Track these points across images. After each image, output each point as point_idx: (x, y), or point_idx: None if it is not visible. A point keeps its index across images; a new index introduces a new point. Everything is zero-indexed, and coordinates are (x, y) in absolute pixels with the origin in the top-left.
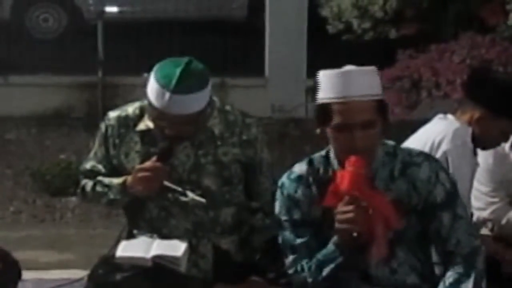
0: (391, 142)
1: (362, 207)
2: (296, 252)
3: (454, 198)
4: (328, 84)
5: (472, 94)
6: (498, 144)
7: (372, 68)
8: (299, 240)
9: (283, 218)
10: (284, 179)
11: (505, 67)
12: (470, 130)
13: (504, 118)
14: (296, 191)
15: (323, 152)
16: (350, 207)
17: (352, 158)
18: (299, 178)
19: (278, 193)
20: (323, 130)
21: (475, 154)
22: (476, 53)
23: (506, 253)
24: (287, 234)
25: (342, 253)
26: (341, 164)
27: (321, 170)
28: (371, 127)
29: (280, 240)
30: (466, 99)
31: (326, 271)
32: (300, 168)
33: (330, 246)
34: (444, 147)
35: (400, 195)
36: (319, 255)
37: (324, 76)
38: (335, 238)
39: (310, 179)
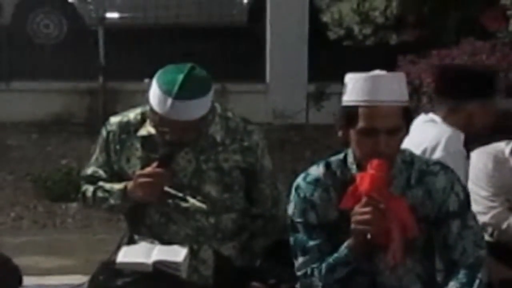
0: (408, 150)
1: (380, 209)
2: (308, 254)
3: (466, 209)
4: (356, 87)
5: (456, 93)
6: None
7: (401, 74)
8: (312, 242)
9: (297, 220)
10: (300, 181)
11: (506, 72)
12: (462, 136)
13: (489, 99)
14: (313, 194)
15: (340, 156)
16: (368, 209)
17: (375, 161)
18: (316, 181)
19: (293, 195)
20: (345, 133)
21: (468, 158)
22: (477, 59)
23: (501, 272)
24: (300, 236)
25: (354, 257)
26: (360, 168)
27: (338, 174)
28: (396, 133)
29: (291, 241)
30: (449, 100)
31: (337, 275)
32: (317, 170)
33: (343, 250)
34: (437, 154)
35: (414, 203)
36: (331, 259)
37: (352, 79)
38: (348, 241)
39: (328, 182)
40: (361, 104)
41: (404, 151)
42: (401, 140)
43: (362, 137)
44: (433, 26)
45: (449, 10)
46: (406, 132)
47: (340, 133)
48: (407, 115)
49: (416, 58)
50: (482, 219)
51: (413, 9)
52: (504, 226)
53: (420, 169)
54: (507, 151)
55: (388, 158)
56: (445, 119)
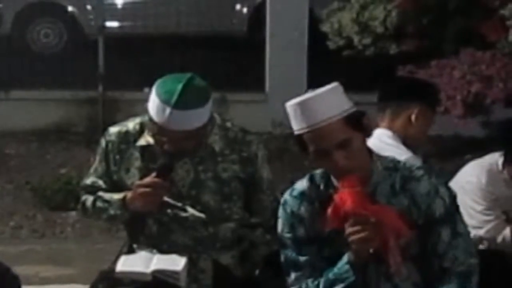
0: (390, 156)
1: (372, 223)
2: (300, 270)
3: (454, 214)
4: (293, 115)
5: (403, 93)
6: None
7: (333, 85)
8: (302, 258)
9: (286, 236)
10: (286, 196)
11: (505, 83)
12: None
13: (432, 104)
14: (299, 208)
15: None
16: (360, 227)
17: (345, 181)
18: (302, 195)
19: (280, 211)
20: (308, 156)
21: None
22: (476, 69)
23: None
24: (290, 252)
25: (355, 273)
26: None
27: (322, 187)
28: (347, 144)
29: (282, 258)
30: (391, 103)
31: None
32: (301, 185)
33: (343, 266)
34: None
35: (401, 211)
36: (330, 274)
37: (289, 107)
38: (349, 257)
39: (313, 195)
40: (303, 131)
41: (386, 157)
42: (359, 149)
43: (318, 159)
44: (433, 36)
45: (449, 20)
46: (367, 135)
47: (310, 158)
48: (356, 122)
49: (415, 68)
50: (477, 233)
51: (413, 19)
52: (499, 239)
53: (403, 175)
54: (500, 163)
55: (354, 170)
56: (389, 126)
